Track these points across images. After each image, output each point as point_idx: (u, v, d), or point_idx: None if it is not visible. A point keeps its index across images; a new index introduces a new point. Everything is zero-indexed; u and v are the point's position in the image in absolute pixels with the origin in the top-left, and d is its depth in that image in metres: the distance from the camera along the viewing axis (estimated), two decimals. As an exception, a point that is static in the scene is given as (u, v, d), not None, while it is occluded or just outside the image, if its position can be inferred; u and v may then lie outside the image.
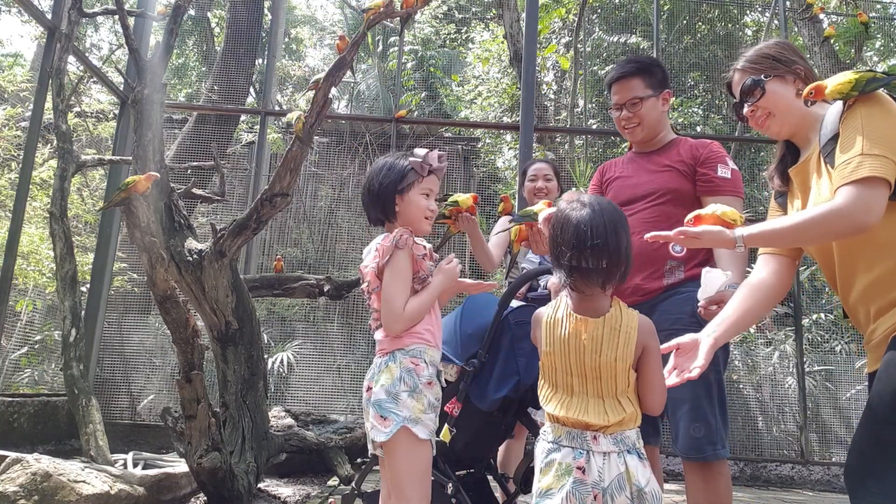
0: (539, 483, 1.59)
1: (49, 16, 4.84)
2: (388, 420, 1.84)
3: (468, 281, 2.13)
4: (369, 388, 1.94)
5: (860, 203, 1.52)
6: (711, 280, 2.04)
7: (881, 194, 1.53)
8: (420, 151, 2.05)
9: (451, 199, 2.78)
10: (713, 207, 1.76)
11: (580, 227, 1.60)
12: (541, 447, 1.64)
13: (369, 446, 1.93)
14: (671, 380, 1.72)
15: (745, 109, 1.89)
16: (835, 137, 1.66)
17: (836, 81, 1.64)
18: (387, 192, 2.00)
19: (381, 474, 1.96)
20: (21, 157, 5.29)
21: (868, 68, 1.69)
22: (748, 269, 2.30)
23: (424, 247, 1.99)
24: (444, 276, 1.99)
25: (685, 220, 1.76)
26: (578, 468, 1.54)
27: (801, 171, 1.83)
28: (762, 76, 1.85)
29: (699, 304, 2.11)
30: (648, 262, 2.38)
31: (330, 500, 3.77)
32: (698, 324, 2.25)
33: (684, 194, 2.46)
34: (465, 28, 14.33)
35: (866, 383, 1.77)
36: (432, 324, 1.98)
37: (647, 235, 1.71)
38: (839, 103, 1.70)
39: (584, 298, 1.64)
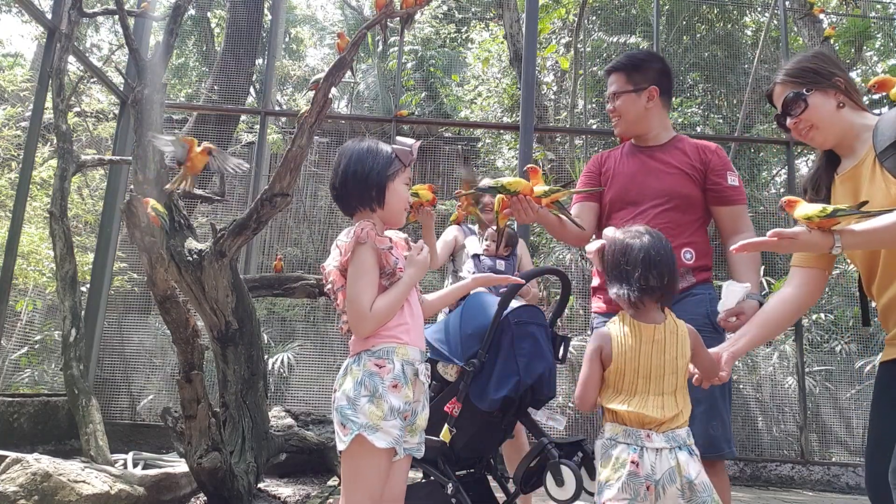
0: (600, 476, 1.78)
1: (49, 16, 4.84)
2: (346, 428, 1.73)
3: (491, 276, 2.02)
4: (335, 391, 1.84)
5: None
6: (731, 293, 2.11)
7: None
8: (406, 140, 1.94)
9: (411, 190, 2.70)
10: (800, 207, 1.69)
11: (649, 251, 1.85)
12: (599, 444, 1.82)
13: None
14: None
15: (789, 122, 1.91)
16: (894, 144, 1.66)
17: None
18: (379, 177, 1.86)
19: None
20: (21, 157, 5.29)
21: None
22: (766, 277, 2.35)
23: (391, 239, 1.87)
24: (417, 269, 1.87)
25: (780, 203, 1.75)
26: (632, 462, 1.72)
27: (851, 178, 1.84)
28: (804, 90, 1.87)
29: (719, 317, 2.17)
30: None
31: (329, 500, 3.77)
32: (711, 325, 2.30)
33: (693, 200, 2.46)
34: (465, 28, 14.33)
35: (872, 379, 1.80)
36: (406, 319, 1.85)
37: (734, 247, 1.71)
38: (894, 111, 1.71)
39: (644, 311, 1.86)
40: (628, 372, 1.81)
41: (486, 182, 2.49)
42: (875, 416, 1.78)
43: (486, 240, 3.77)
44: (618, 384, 1.82)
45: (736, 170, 2.53)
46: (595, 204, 2.65)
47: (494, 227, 2.61)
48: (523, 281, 2.31)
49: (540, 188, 2.33)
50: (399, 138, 1.97)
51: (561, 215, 2.44)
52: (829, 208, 1.60)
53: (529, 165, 2.47)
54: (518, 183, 2.32)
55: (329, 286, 1.85)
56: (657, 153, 2.56)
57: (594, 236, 2.70)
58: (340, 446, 1.75)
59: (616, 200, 2.58)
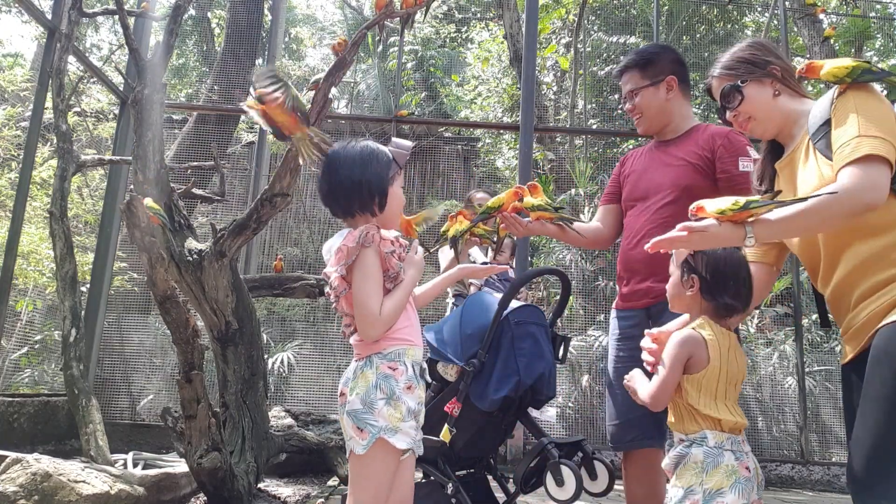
0: (706, 484, 1.73)
1: (49, 16, 4.83)
2: (364, 432, 1.74)
3: (476, 266, 2.00)
4: (343, 394, 1.83)
5: (865, 181, 1.51)
6: None
7: (884, 172, 1.52)
8: (402, 142, 1.93)
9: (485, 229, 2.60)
10: (711, 203, 1.67)
11: (744, 264, 1.86)
12: (701, 452, 1.76)
13: (347, 451, 1.82)
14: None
15: (728, 115, 1.91)
16: (826, 123, 1.66)
17: (833, 64, 1.66)
18: (381, 181, 1.84)
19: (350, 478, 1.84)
20: (21, 157, 5.29)
21: (865, 59, 1.68)
22: None
23: (391, 241, 1.84)
24: (416, 270, 1.88)
25: (689, 211, 1.69)
26: (745, 468, 1.76)
27: (788, 164, 1.83)
28: (738, 82, 1.86)
29: None
30: (660, 264, 2.30)
31: (329, 500, 3.77)
32: None
33: (699, 191, 2.33)
34: (465, 28, 14.33)
35: (842, 376, 1.77)
36: (411, 320, 1.88)
37: (647, 246, 1.69)
38: (828, 94, 1.70)
39: (723, 321, 1.86)
40: (722, 378, 1.80)
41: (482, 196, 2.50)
42: (849, 420, 1.73)
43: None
44: (712, 388, 1.80)
45: (756, 153, 2.40)
46: (616, 205, 2.67)
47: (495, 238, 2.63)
48: (506, 266, 2.29)
49: (530, 201, 2.39)
50: (395, 140, 1.95)
51: (562, 224, 2.47)
52: (742, 201, 1.57)
53: (530, 182, 2.52)
54: (498, 200, 2.40)
55: (331, 291, 1.81)
56: (670, 146, 2.54)
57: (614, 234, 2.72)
58: (359, 450, 1.74)
59: (628, 198, 2.59)
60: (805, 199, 1.56)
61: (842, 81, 1.64)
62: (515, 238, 4.92)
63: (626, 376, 1.96)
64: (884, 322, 1.55)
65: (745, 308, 1.87)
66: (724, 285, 1.82)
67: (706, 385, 1.80)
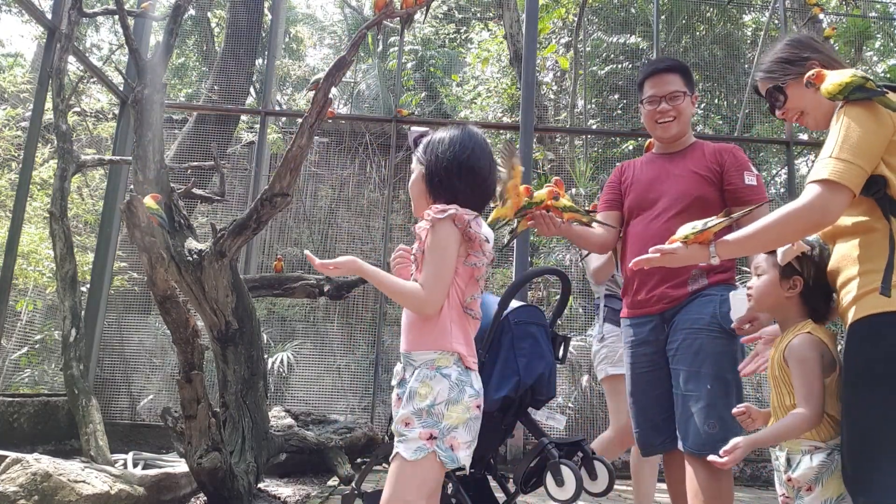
0: (831, 492, 1.71)
1: (49, 16, 4.83)
2: None
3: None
4: None
5: (817, 203, 1.59)
6: (739, 301, 2.15)
7: (839, 196, 1.59)
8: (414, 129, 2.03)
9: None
10: (681, 229, 1.80)
11: None
12: (826, 457, 1.73)
13: None
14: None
15: (777, 113, 1.97)
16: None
17: (832, 81, 1.68)
18: None
19: None
20: (21, 157, 5.29)
21: (863, 75, 1.70)
22: None
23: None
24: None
25: (670, 240, 1.84)
26: None
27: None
28: (780, 82, 1.91)
29: (733, 325, 2.18)
30: (674, 271, 2.41)
31: (329, 500, 3.77)
32: (718, 325, 2.31)
33: (710, 201, 2.45)
34: (465, 28, 14.33)
35: None
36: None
37: (632, 262, 1.84)
38: (838, 104, 1.72)
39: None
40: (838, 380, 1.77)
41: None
42: None
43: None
44: (836, 393, 1.74)
45: (756, 170, 2.53)
46: (617, 212, 2.73)
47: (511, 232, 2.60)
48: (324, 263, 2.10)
49: (563, 202, 2.41)
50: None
51: (590, 222, 2.52)
52: (699, 225, 1.75)
53: (556, 178, 2.52)
54: (539, 195, 2.39)
55: None
56: (676, 158, 2.61)
57: (618, 245, 2.76)
58: None
59: (634, 207, 2.65)
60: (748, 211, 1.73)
61: (836, 98, 1.67)
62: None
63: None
64: (848, 322, 1.66)
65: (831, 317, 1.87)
66: (825, 295, 1.84)
67: (835, 389, 1.75)
